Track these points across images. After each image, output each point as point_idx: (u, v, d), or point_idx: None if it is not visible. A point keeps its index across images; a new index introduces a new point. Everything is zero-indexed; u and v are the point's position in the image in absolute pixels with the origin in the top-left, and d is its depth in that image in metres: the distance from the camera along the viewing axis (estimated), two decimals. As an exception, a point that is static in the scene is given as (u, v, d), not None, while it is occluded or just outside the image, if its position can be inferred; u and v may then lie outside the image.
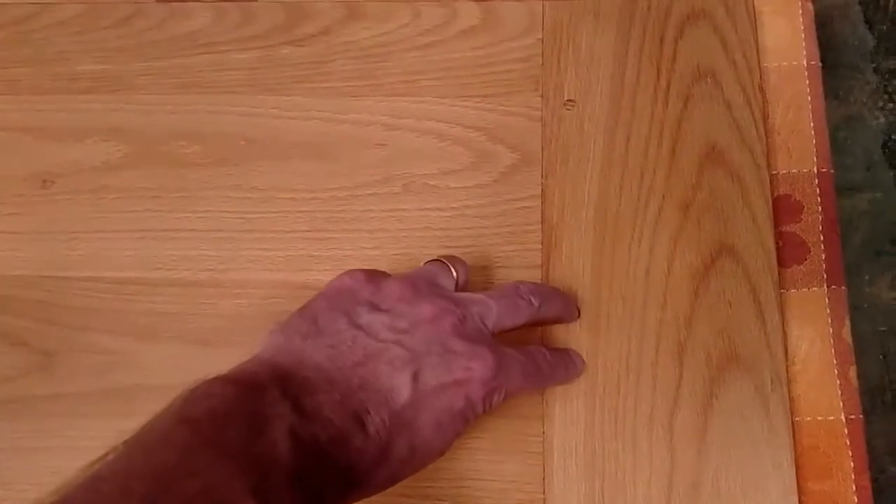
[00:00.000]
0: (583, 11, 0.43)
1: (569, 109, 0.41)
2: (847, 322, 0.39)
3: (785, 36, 0.43)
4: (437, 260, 0.36)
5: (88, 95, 0.43)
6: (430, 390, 0.30)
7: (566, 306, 0.37)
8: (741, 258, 0.38)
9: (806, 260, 0.40)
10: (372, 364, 0.29)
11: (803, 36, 0.43)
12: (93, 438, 0.37)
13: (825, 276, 0.39)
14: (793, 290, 0.39)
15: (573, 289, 0.38)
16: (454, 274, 0.35)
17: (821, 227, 0.40)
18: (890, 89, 0.99)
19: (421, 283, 0.33)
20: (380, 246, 0.40)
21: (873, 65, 1.01)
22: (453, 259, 0.36)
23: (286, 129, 0.42)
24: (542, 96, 0.42)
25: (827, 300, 0.39)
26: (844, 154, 0.97)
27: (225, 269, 0.40)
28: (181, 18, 0.44)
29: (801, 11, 0.44)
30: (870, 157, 0.97)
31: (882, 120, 0.98)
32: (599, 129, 0.41)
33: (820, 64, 0.43)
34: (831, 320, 0.39)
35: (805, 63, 0.43)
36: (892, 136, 0.97)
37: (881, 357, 0.89)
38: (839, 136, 0.96)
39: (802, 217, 0.40)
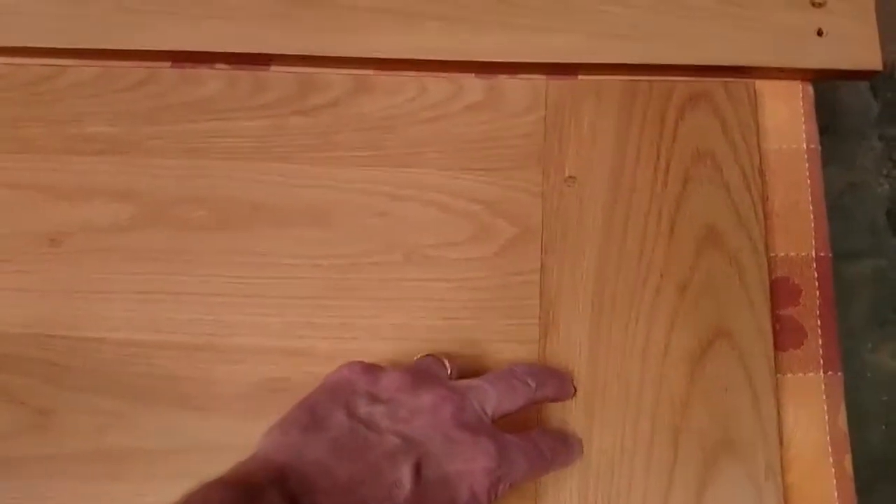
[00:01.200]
0: (585, 91, 0.44)
1: (569, 186, 0.42)
2: (843, 410, 0.39)
3: (785, 118, 0.44)
4: (429, 355, 0.36)
5: (99, 157, 0.44)
6: (433, 482, 0.29)
7: (562, 385, 0.37)
8: (737, 343, 0.38)
9: (803, 344, 0.40)
10: (372, 456, 0.29)
11: (803, 119, 0.44)
12: (82, 499, 0.37)
13: (822, 361, 0.39)
14: (789, 375, 0.39)
15: (570, 366, 0.39)
16: (447, 366, 0.35)
17: (818, 312, 0.40)
18: (894, 157, 1.00)
19: (418, 374, 0.33)
20: (379, 315, 0.40)
21: (878, 132, 1.02)
22: (445, 354, 0.37)
23: (291, 197, 0.43)
24: (543, 172, 0.42)
25: (823, 386, 0.39)
26: (848, 220, 0.97)
27: (224, 334, 0.40)
28: (193, 85, 0.45)
29: (801, 94, 0.44)
30: (873, 224, 0.97)
31: (886, 187, 0.99)
32: (599, 206, 0.41)
33: (819, 147, 0.43)
34: (827, 408, 0.39)
35: (805, 146, 0.43)
36: (897, 204, 0.98)
37: (883, 427, 0.88)
38: (843, 202, 0.97)
39: (800, 301, 0.40)
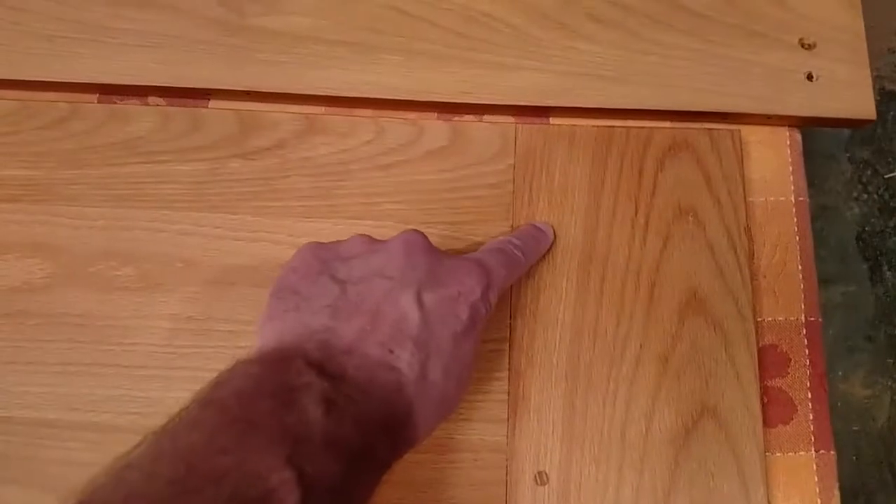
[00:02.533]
0: (557, 137, 0.40)
1: (541, 242, 0.38)
2: (836, 492, 0.36)
3: (771, 169, 0.41)
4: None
5: (12, 204, 0.39)
6: (435, 305, 0.29)
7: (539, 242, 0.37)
8: (724, 421, 0.35)
9: (792, 420, 0.37)
10: (371, 304, 0.29)
11: (791, 169, 0.41)
12: None
13: (812, 439, 0.36)
14: (778, 454, 0.36)
15: (542, 450, 0.35)
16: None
17: (808, 384, 0.37)
18: (864, 179, 0.99)
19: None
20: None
21: (847, 154, 1.00)
22: None
23: (230, 252, 0.38)
24: (512, 226, 0.38)
25: (815, 467, 0.36)
26: (818, 244, 0.95)
27: (151, 412, 0.35)
28: (122, 122, 0.40)
29: (788, 143, 0.41)
30: (844, 249, 0.96)
31: (856, 210, 0.98)
32: (573, 266, 0.38)
33: (808, 200, 0.40)
34: (819, 490, 0.36)
35: (793, 199, 0.40)
36: (867, 228, 0.96)
37: (854, 458, 0.87)
38: (813, 226, 0.95)
39: (789, 371, 0.37)
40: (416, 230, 0.32)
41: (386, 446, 0.27)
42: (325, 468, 0.24)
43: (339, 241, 0.33)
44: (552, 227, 0.38)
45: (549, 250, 0.38)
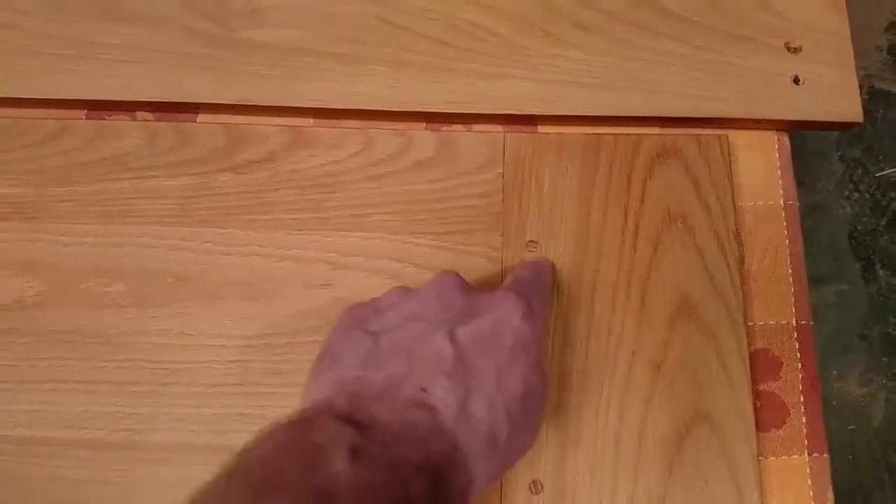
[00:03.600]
0: (546, 145, 0.40)
1: (531, 251, 0.38)
2: (830, 495, 0.36)
3: (760, 172, 0.41)
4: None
5: (1, 223, 0.39)
6: (472, 340, 0.28)
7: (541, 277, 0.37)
8: (717, 427, 0.35)
9: (786, 423, 0.37)
10: (404, 348, 0.28)
11: (780, 173, 0.41)
12: None
13: (806, 442, 0.36)
14: (772, 458, 0.36)
15: (536, 461, 0.35)
16: None
17: (801, 387, 0.37)
18: (855, 178, 0.99)
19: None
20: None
21: (839, 153, 1.01)
22: None
23: (220, 266, 0.38)
24: (502, 235, 0.38)
25: (808, 470, 0.36)
26: (810, 244, 0.95)
27: (144, 429, 0.35)
28: (110, 138, 0.40)
29: (776, 146, 0.41)
30: (836, 248, 0.96)
31: (848, 209, 0.98)
32: (564, 273, 0.38)
33: (798, 203, 0.40)
34: (813, 493, 0.36)
35: (782, 203, 0.40)
36: (858, 227, 0.96)
37: (850, 457, 0.87)
38: (805, 225, 0.95)
39: (781, 375, 0.37)
40: (449, 271, 0.32)
41: (432, 489, 0.25)
42: None
43: (375, 298, 0.33)
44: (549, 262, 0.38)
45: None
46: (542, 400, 0.30)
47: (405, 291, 0.32)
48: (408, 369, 0.27)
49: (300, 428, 0.25)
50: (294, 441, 0.25)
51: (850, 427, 0.87)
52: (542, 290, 0.35)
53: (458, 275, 0.32)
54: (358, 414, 0.26)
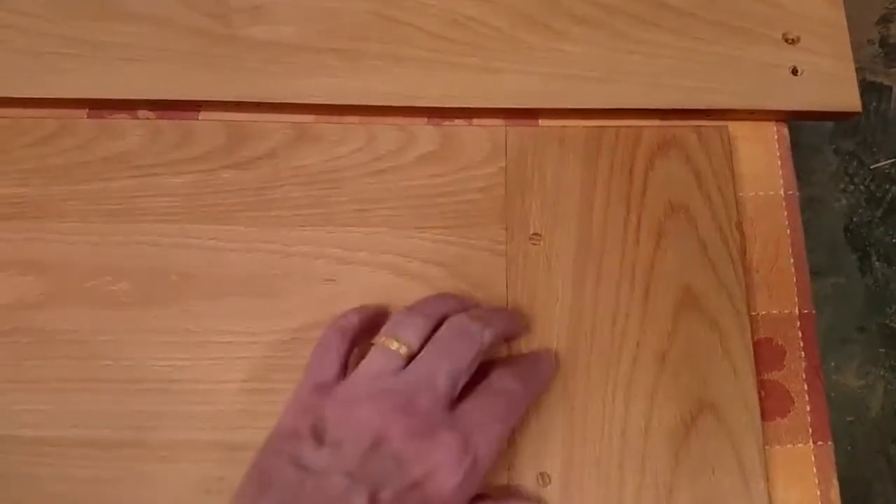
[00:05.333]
0: (547, 138, 0.40)
1: (534, 244, 0.38)
2: (835, 482, 0.36)
3: (760, 163, 0.41)
4: (374, 344, 0.32)
5: (4, 223, 0.39)
6: (397, 502, 0.28)
7: (509, 318, 0.36)
8: (723, 417, 0.35)
9: (790, 412, 0.37)
10: (324, 502, 0.27)
11: (780, 164, 0.41)
12: None
13: (810, 430, 0.37)
14: (777, 447, 0.36)
15: (543, 455, 0.35)
16: (399, 348, 0.32)
17: (804, 376, 0.37)
18: (850, 171, 1.00)
19: (361, 392, 0.31)
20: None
21: (832, 146, 1.01)
22: (398, 326, 0.33)
23: (225, 263, 0.38)
24: (506, 229, 0.39)
25: (813, 458, 0.36)
26: (807, 237, 0.96)
27: (151, 427, 0.35)
28: (112, 137, 0.40)
29: (776, 137, 0.41)
30: (832, 240, 0.97)
31: (843, 202, 0.98)
32: (567, 266, 0.38)
33: (798, 193, 0.41)
34: (818, 481, 0.36)
35: (783, 193, 0.40)
36: (854, 219, 0.97)
37: (849, 448, 0.87)
38: (801, 218, 0.96)
39: (785, 364, 0.38)
40: (403, 401, 0.30)
41: None
42: None
43: (325, 404, 0.31)
44: (554, 358, 0.36)
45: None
46: None
47: (349, 411, 0.30)
48: None
49: None
50: None
51: (848, 418, 0.88)
52: (517, 403, 0.33)
53: (406, 414, 0.30)
54: None
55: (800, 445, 0.36)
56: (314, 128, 0.41)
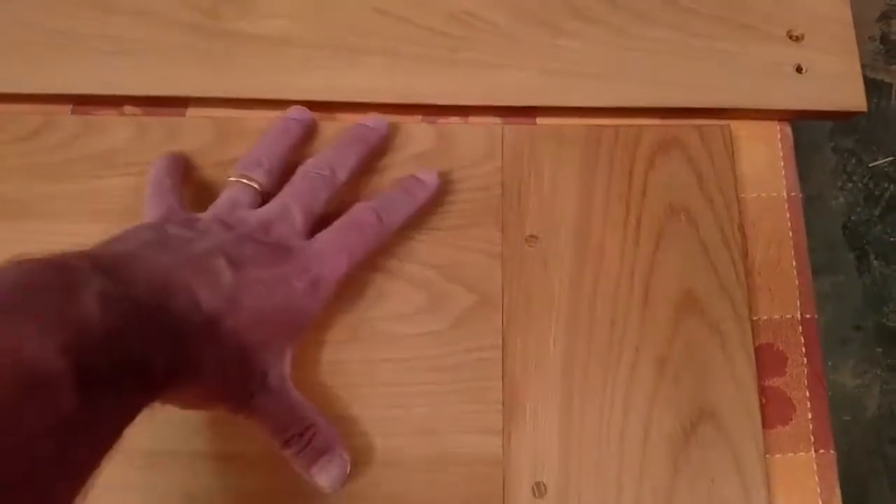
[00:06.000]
0: (545, 137, 0.39)
1: (531, 246, 0.37)
2: (837, 491, 0.35)
3: (763, 163, 0.40)
4: (231, 180, 0.36)
5: (-15, 222, 0.37)
6: (250, 280, 0.30)
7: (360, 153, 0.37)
8: (723, 424, 0.34)
9: (791, 420, 0.36)
10: (187, 251, 0.30)
11: (783, 164, 0.40)
12: None
13: (812, 438, 0.36)
14: (778, 455, 0.35)
15: (539, 457, 0.34)
16: (255, 185, 0.35)
17: (806, 382, 0.37)
18: (848, 169, 0.99)
19: (229, 216, 0.33)
20: (316, 406, 0.35)
21: (831, 144, 1.00)
22: (250, 166, 0.36)
23: (214, 265, 0.37)
24: (502, 230, 0.38)
25: (815, 466, 0.35)
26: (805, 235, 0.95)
27: (133, 434, 0.34)
28: (97, 134, 0.39)
29: (779, 136, 0.41)
30: (831, 239, 0.96)
31: (841, 200, 0.98)
32: (565, 269, 0.37)
33: (801, 195, 0.40)
34: (820, 490, 0.35)
35: (785, 194, 0.39)
36: (852, 218, 0.96)
37: (845, 448, 0.87)
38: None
39: (786, 370, 0.37)
40: (263, 224, 0.33)
41: (164, 358, 0.26)
42: (102, 362, 0.24)
43: (197, 218, 0.33)
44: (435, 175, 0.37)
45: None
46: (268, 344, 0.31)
47: (220, 224, 0.33)
48: (182, 265, 0.29)
49: (57, 266, 0.25)
50: (49, 274, 0.25)
51: (844, 418, 0.87)
52: (368, 236, 0.35)
53: (265, 231, 0.33)
54: (118, 271, 0.27)
55: (801, 454, 0.36)
56: (306, 125, 0.39)
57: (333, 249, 0.33)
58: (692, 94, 0.39)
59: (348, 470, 0.32)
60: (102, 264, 0.26)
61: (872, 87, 1.02)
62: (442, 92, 0.39)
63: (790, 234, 0.39)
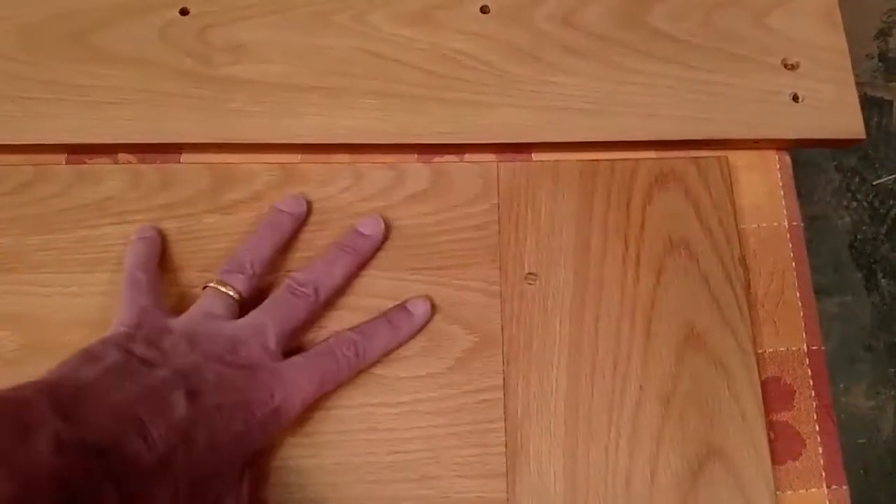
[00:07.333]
0: (541, 174, 0.39)
1: (530, 284, 0.37)
2: (852, 529, 0.34)
3: (762, 194, 0.40)
4: (209, 287, 0.35)
5: (-21, 275, 0.37)
6: (208, 409, 0.30)
7: (341, 276, 0.36)
8: (731, 463, 0.34)
9: (801, 455, 0.35)
10: (146, 381, 0.29)
11: (782, 193, 0.40)
12: None
13: (823, 474, 0.35)
14: (789, 492, 0.35)
15: (544, 501, 0.33)
16: (233, 294, 0.35)
17: (815, 416, 0.36)
18: (853, 188, 0.98)
19: (199, 330, 0.33)
20: (316, 454, 0.34)
21: (835, 163, 1.00)
22: (231, 273, 0.35)
23: (210, 312, 0.36)
24: (500, 269, 0.37)
25: (827, 503, 0.34)
26: (811, 255, 0.94)
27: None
28: (91, 183, 0.39)
29: (778, 166, 0.40)
30: (837, 259, 0.95)
31: (847, 219, 0.97)
32: (565, 306, 0.36)
33: (802, 224, 0.39)
34: (835, 528, 0.34)
35: (787, 224, 0.39)
36: (858, 237, 0.95)
37: (862, 471, 0.85)
38: (805, 237, 0.94)
39: (794, 404, 0.36)
40: (232, 342, 0.33)
41: (114, 499, 0.26)
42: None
43: (166, 333, 0.33)
44: (427, 303, 0.36)
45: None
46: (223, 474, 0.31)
47: (188, 343, 0.32)
48: (137, 399, 0.28)
49: (14, 402, 0.26)
50: (4, 412, 0.25)
51: (859, 441, 0.86)
52: (341, 370, 0.34)
53: (230, 351, 0.32)
54: (74, 409, 0.27)
55: (813, 490, 0.35)
56: (300, 168, 0.39)
57: (304, 378, 0.33)
58: (688, 126, 0.39)
59: None
60: (61, 400, 0.27)
61: (873, 105, 1.02)
62: (436, 131, 0.39)
63: (793, 264, 0.38)
